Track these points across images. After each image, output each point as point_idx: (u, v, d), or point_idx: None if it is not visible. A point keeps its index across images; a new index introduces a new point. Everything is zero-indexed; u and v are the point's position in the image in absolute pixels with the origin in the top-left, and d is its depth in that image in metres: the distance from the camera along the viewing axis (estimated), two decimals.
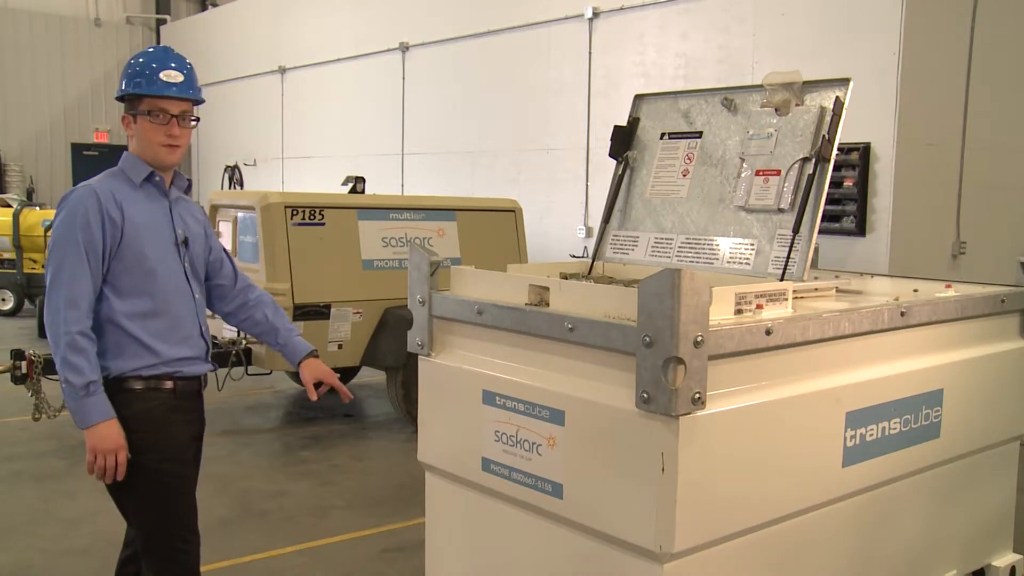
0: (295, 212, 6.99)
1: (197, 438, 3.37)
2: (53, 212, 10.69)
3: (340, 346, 7.02)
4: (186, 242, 3.21)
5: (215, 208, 7.89)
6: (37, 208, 12.94)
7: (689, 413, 2.73)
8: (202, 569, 4.37)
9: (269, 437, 6.99)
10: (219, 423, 7.26)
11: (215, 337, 7.31)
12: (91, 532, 4.90)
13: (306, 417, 7.73)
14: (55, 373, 6.16)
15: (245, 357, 6.87)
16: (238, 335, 7.10)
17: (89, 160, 18.97)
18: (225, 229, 7.75)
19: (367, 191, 8.10)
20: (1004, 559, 4.36)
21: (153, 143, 3.08)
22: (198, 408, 3.36)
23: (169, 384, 3.16)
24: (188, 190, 3.37)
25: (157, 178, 3.15)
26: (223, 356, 6.79)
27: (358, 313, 7.02)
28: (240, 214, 7.50)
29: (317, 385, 3.44)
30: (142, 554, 3.17)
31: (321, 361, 3.49)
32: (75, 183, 3.83)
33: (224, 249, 3.53)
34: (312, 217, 7.05)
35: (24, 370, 5.94)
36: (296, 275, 6.90)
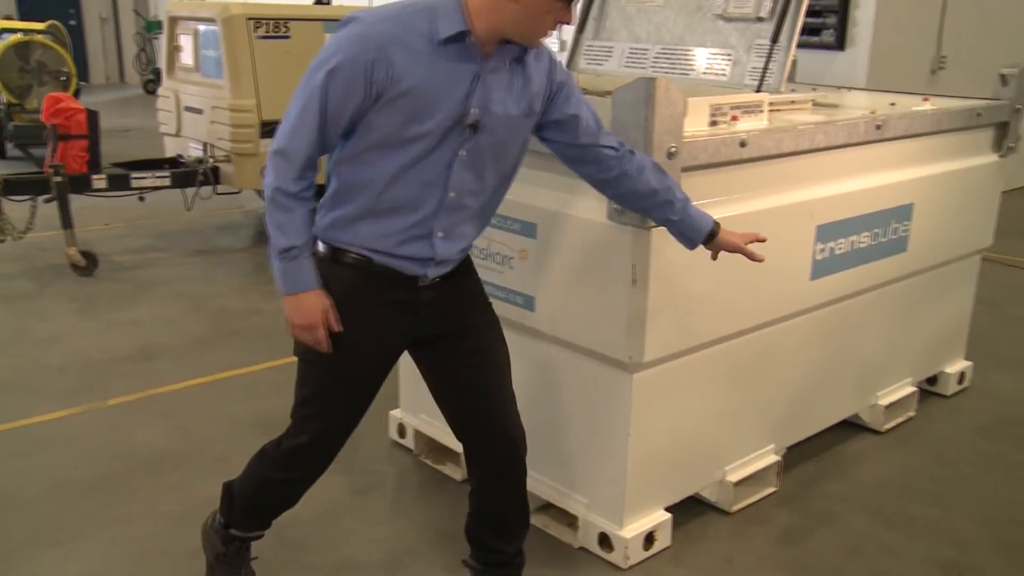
0: (258, 24, 6.70)
1: None
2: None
3: None
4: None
5: (174, 20, 7.55)
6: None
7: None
8: (180, 385, 4.48)
9: (241, 257, 6.96)
10: (190, 243, 7.23)
11: (181, 156, 7.17)
12: (65, 351, 4.93)
13: None
14: (18, 193, 6.13)
15: (213, 176, 6.75)
16: (204, 153, 6.95)
17: None
18: (186, 43, 7.45)
19: (334, 2, 7.76)
20: (955, 366, 4.52)
21: (542, 27, 2.28)
22: None
23: None
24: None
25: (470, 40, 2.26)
26: (191, 175, 6.68)
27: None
28: (201, 27, 7.18)
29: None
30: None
31: (728, 231, 2.66)
32: None
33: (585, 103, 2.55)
34: (277, 30, 6.77)
35: None
36: (262, 91, 6.69)
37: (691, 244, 2.64)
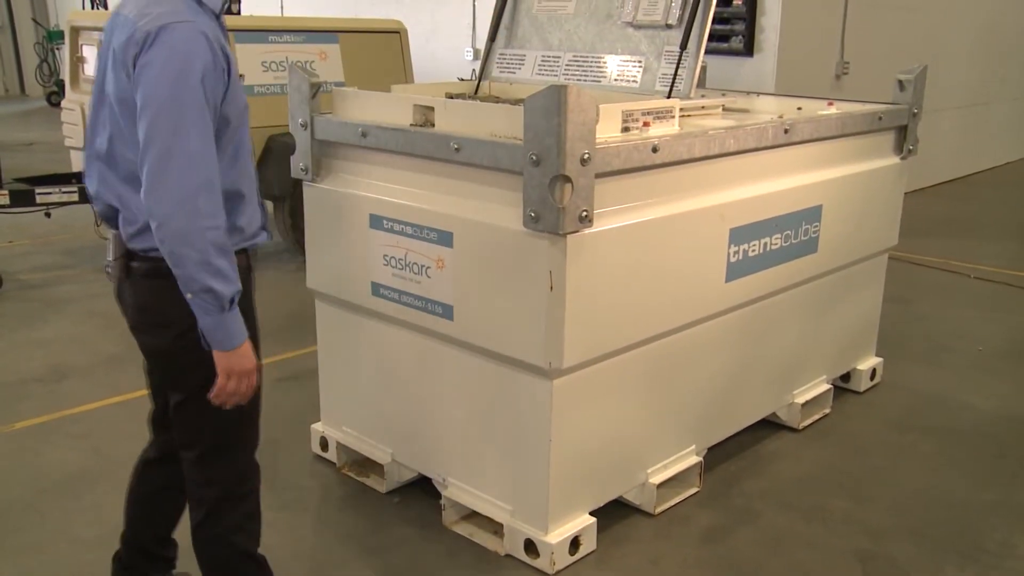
0: None
1: None
2: None
3: None
4: None
5: (76, 31, 7.34)
6: None
7: (576, 231, 2.74)
8: (93, 405, 4.34)
9: None
10: (100, 259, 7.01)
11: None
12: None
13: None
14: None
15: None
16: None
17: None
18: (90, 54, 7.25)
19: (243, 12, 7.65)
20: (867, 362, 4.65)
21: None
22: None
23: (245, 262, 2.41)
24: None
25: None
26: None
27: None
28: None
29: None
30: (215, 473, 2.45)
31: None
32: None
33: None
34: None
35: None
36: None
37: None
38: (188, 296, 2.12)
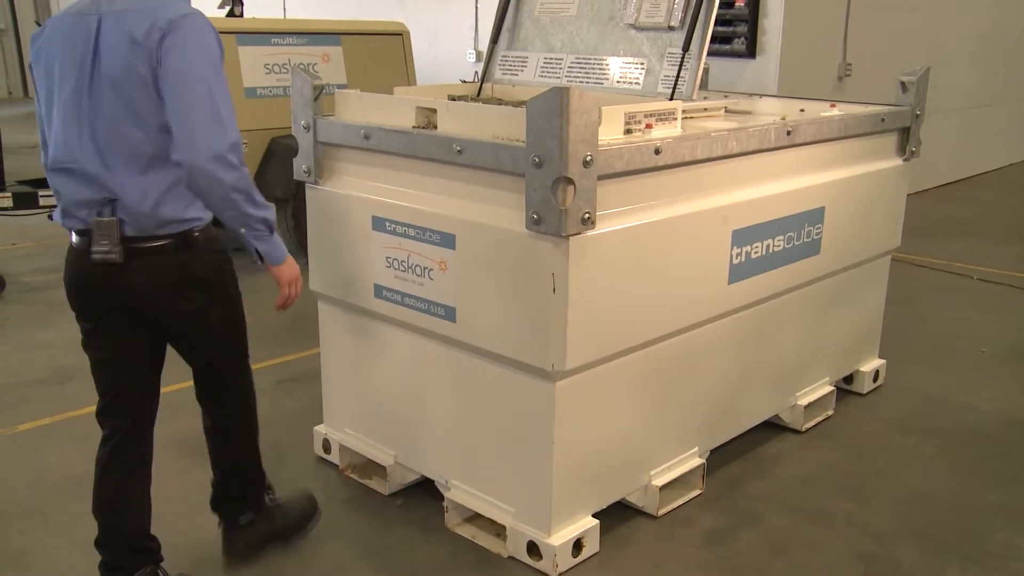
0: None
1: None
2: None
3: None
4: None
5: None
6: None
7: (579, 233, 2.74)
8: (95, 409, 4.33)
9: None
10: None
11: None
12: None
13: None
14: None
15: None
16: None
17: None
18: None
19: (246, 14, 7.65)
20: (870, 364, 4.64)
21: None
22: None
23: None
24: None
25: None
26: None
27: (243, 143, 6.75)
28: None
29: None
30: (242, 387, 3.00)
31: None
32: None
33: None
34: None
35: None
36: None
37: None
38: (242, 231, 2.62)
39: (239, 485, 3.09)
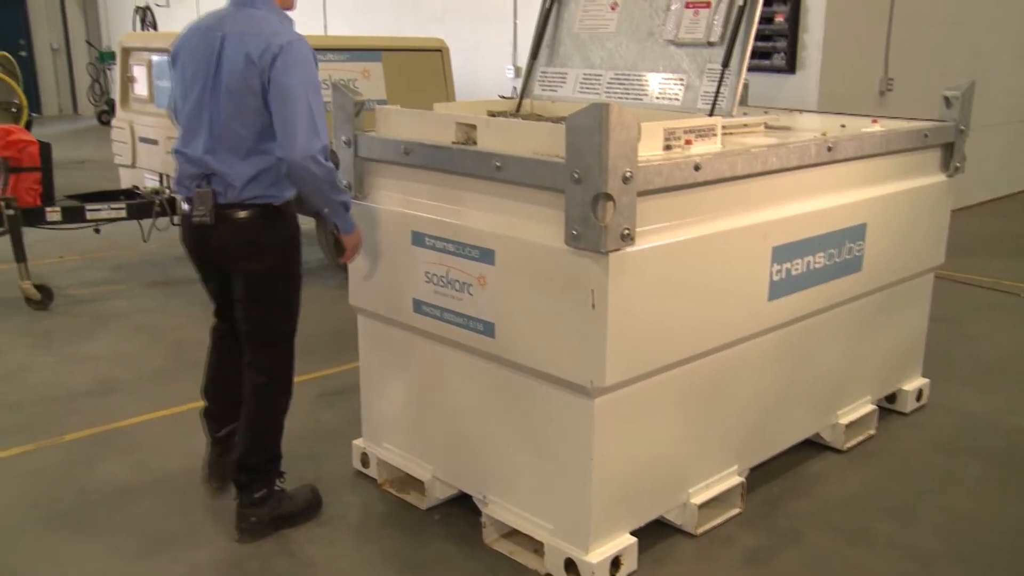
0: None
1: None
2: None
3: None
4: None
5: (127, 51, 7.51)
6: None
7: (618, 249, 2.74)
8: (140, 419, 4.42)
9: (199, 288, 6.89)
10: (148, 274, 7.15)
11: (136, 188, 7.10)
12: (20, 387, 4.85)
13: None
14: None
15: (169, 207, 6.69)
16: (160, 184, 6.89)
17: None
18: (140, 74, 7.40)
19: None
20: (913, 383, 4.58)
21: None
22: None
23: None
24: None
25: None
26: (147, 207, 6.61)
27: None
28: (155, 57, 7.13)
29: None
30: (273, 342, 3.38)
31: None
32: None
33: None
34: None
35: None
36: None
37: None
38: (325, 211, 3.20)
39: (258, 457, 3.37)
